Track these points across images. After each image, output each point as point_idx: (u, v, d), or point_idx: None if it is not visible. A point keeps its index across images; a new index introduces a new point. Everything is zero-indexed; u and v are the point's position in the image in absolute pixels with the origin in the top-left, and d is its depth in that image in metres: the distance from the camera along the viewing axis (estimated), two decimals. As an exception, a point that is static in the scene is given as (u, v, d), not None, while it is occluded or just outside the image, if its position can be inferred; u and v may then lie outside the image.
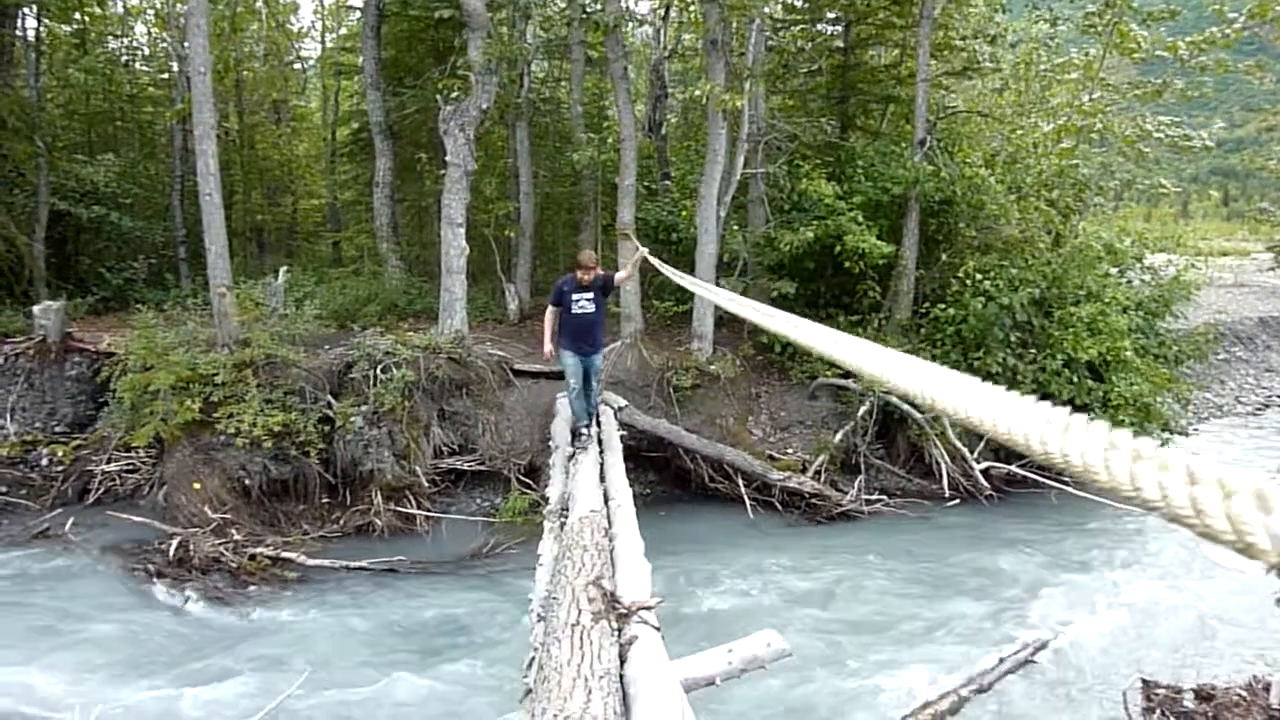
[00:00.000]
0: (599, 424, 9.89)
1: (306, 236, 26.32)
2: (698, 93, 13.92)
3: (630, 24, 19.66)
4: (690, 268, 13.67)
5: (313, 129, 28.12)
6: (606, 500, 7.08)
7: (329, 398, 12.30)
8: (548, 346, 9.02)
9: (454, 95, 13.77)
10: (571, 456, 8.77)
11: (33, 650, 8.58)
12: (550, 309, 9.01)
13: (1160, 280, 15.95)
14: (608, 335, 11.08)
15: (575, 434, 9.34)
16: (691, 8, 20.15)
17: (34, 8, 17.91)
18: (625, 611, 4.48)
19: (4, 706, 7.65)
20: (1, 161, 16.86)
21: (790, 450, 13.69)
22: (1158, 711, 7.14)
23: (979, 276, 13.72)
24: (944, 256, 15.29)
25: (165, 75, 22.87)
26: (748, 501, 12.68)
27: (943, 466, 13.19)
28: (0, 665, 8.26)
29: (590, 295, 8.79)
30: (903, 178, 14.41)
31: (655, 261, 9.18)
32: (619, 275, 9.45)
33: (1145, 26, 15.80)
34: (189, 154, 18.27)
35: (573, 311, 8.81)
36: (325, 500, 12.26)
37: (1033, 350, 13.78)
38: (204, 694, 7.89)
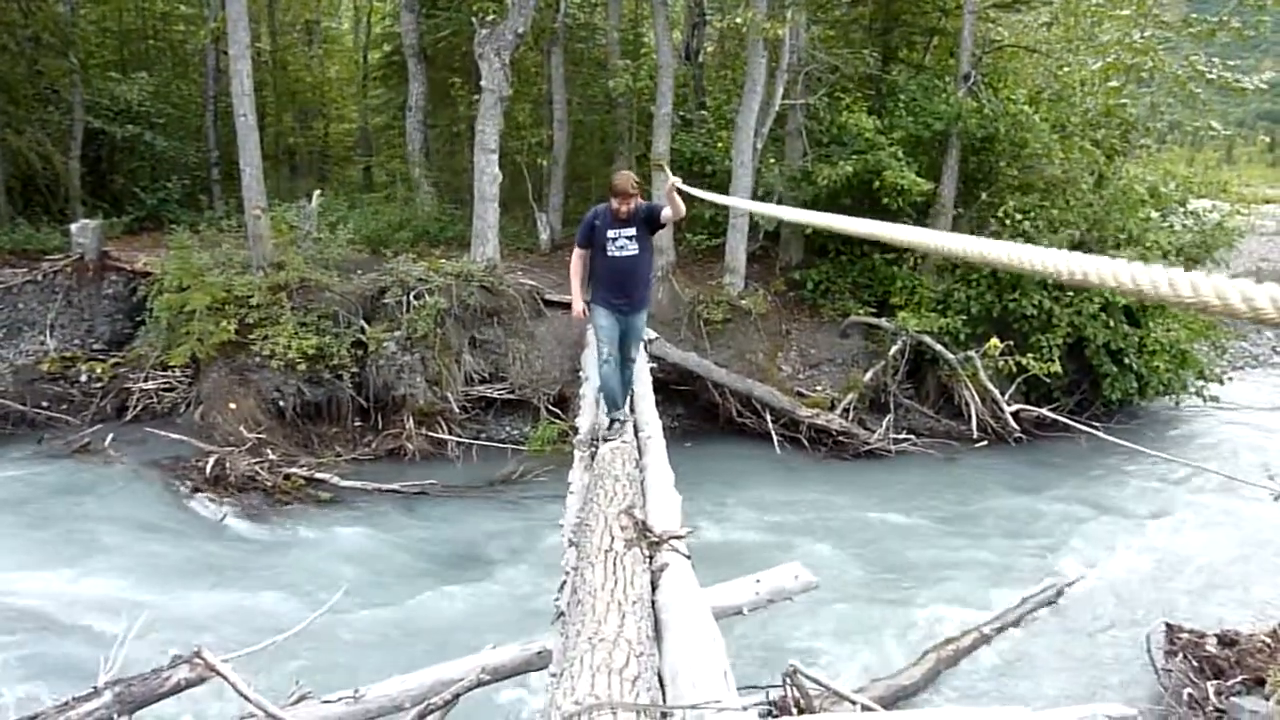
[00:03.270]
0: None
1: (338, 161, 26.20)
2: (738, 20, 13.60)
3: (669, -53, 19.11)
4: (724, 202, 13.52)
5: (344, 52, 27.80)
6: (637, 431, 7.11)
7: (362, 322, 12.40)
8: (577, 305, 6.72)
9: (489, 18, 13.52)
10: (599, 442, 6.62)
11: (76, 559, 8.87)
12: (577, 252, 6.66)
13: (1203, 226, 15.61)
14: None
15: (609, 422, 6.73)
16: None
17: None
18: (657, 540, 4.52)
19: (49, 612, 7.93)
20: (37, 78, 16.86)
21: (819, 387, 13.67)
22: (1180, 655, 7.17)
23: (1018, 216, 13.53)
24: (983, 195, 15.02)
25: (197, -8, 22.62)
26: (775, 437, 12.72)
27: (972, 408, 13.11)
28: (45, 573, 8.55)
29: (631, 232, 6.45)
30: (945, 113, 14.07)
31: (687, 189, 6.75)
32: (667, 212, 6.55)
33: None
34: (221, 74, 18.17)
35: (608, 254, 6.49)
36: (358, 423, 12.46)
37: (1069, 293, 13.58)
38: (242, 604, 8.14)
